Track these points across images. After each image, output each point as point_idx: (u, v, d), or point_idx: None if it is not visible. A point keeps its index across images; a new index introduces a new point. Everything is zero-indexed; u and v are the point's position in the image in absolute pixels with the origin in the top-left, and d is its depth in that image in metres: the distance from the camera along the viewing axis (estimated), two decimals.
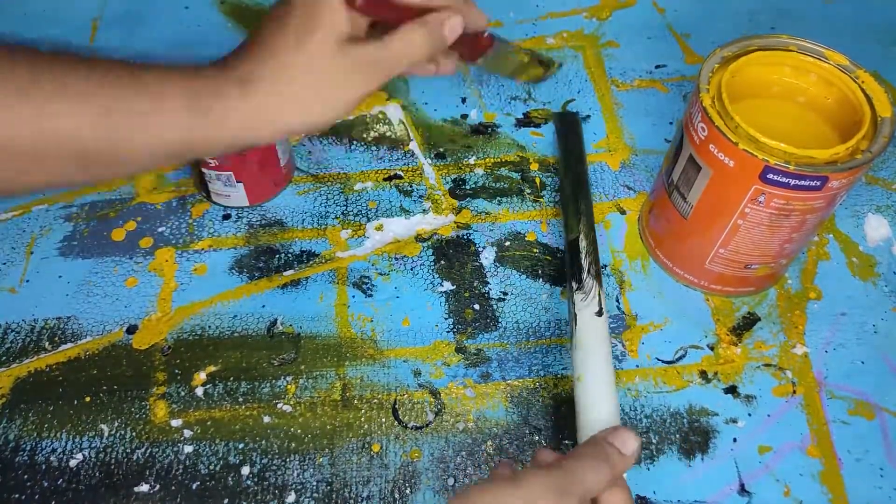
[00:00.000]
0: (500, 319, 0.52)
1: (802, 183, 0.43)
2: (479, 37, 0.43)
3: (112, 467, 0.46)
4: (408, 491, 0.45)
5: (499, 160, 0.61)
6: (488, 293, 0.54)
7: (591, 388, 0.43)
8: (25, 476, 0.45)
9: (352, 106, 0.39)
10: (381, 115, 0.64)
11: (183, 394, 0.49)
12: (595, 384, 0.43)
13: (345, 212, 0.58)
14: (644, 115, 0.64)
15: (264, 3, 0.72)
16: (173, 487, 0.45)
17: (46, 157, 0.35)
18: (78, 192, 0.58)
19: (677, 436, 0.48)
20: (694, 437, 0.48)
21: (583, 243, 0.51)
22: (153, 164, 0.38)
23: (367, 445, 0.47)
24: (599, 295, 0.47)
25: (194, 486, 0.45)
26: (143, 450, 0.46)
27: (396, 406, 0.48)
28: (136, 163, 0.37)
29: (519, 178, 0.60)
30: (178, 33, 0.69)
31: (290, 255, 0.55)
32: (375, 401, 0.49)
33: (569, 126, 0.62)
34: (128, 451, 0.46)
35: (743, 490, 0.46)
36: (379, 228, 0.57)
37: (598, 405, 0.42)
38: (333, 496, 0.45)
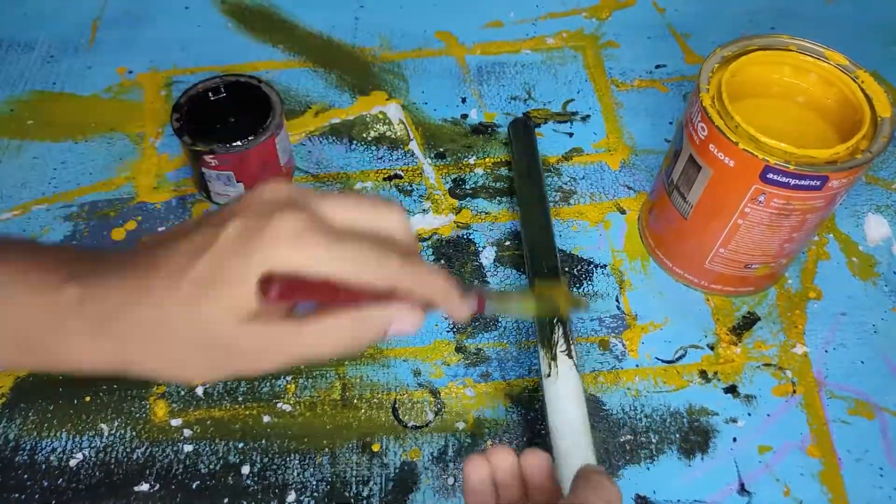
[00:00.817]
0: (499, 319, 0.52)
1: (802, 183, 0.43)
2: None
3: (112, 467, 0.46)
4: (408, 490, 0.45)
5: (499, 160, 0.61)
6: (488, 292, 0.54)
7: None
8: (25, 475, 0.45)
9: (222, 380, 0.34)
10: (381, 115, 0.64)
11: (183, 393, 0.49)
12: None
13: None
14: (644, 115, 0.65)
15: (264, 4, 0.72)
16: (173, 487, 0.45)
17: None
18: (78, 191, 0.58)
19: (677, 435, 0.48)
20: (694, 437, 0.48)
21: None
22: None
23: (367, 445, 0.47)
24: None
25: (194, 486, 0.45)
26: (142, 449, 0.46)
27: (396, 405, 0.48)
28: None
29: None
30: (178, 33, 0.69)
31: None
32: (375, 400, 0.49)
33: (522, 135, 0.60)
34: (128, 450, 0.46)
35: (743, 489, 0.46)
36: None
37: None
38: (333, 495, 0.45)
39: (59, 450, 0.46)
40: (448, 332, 0.52)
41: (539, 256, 0.52)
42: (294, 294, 0.30)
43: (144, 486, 0.45)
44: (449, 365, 0.50)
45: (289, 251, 0.29)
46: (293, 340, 0.31)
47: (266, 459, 0.46)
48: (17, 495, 0.44)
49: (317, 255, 0.29)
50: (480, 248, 0.56)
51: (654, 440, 0.47)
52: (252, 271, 0.29)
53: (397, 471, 0.46)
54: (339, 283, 0.30)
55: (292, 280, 0.29)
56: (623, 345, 0.51)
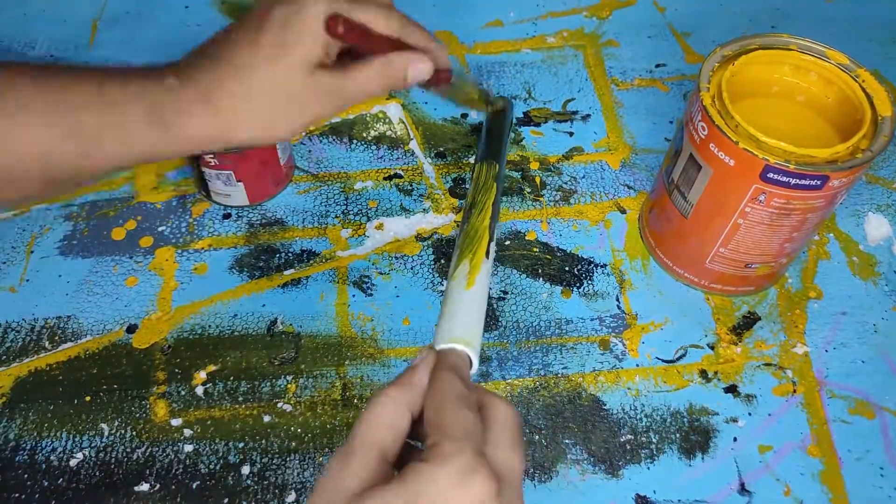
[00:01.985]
0: (500, 319, 0.52)
1: (803, 182, 0.43)
2: (439, 73, 0.43)
3: (112, 466, 0.46)
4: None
5: None
6: (488, 293, 0.54)
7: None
8: (25, 475, 0.45)
9: (305, 127, 0.39)
10: (381, 115, 0.64)
11: (183, 393, 0.49)
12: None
13: (345, 211, 0.58)
14: (644, 114, 0.64)
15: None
16: (173, 487, 0.45)
17: (12, 178, 0.36)
18: (78, 191, 0.58)
19: (677, 435, 0.48)
20: (694, 437, 0.48)
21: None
22: (115, 172, 0.39)
23: None
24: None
25: (194, 486, 0.45)
26: (143, 449, 0.46)
27: None
28: (99, 174, 0.38)
29: (519, 177, 0.60)
30: (178, 33, 0.69)
31: (290, 255, 0.55)
32: None
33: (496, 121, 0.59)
34: (128, 450, 0.46)
35: (743, 489, 0.46)
36: (379, 227, 0.57)
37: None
38: None
39: (59, 450, 0.46)
40: None
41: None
42: (350, 34, 0.38)
43: (144, 486, 0.45)
44: None
45: (336, 7, 0.37)
46: (348, 81, 0.39)
47: (266, 459, 0.46)
48: (17, 495, 0.44)
49: (353, 8, 0.38)
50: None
51: (654, 440, 0.47)
52: (309, 26, 0.37)
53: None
54: (372, 31, 0.39)
55: (348, 23, 0.38)
56: (623, 344, 0.51)
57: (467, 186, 0.59)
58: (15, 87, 0.35)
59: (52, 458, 0.46)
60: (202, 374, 0.49)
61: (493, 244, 0.47)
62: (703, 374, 0.50)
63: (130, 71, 0.37)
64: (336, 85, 0.38)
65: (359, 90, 0.39)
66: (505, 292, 0.54)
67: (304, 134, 0.62)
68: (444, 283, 0.54)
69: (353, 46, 0.40)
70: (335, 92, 0.39)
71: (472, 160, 0.61)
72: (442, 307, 0.41)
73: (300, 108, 0.38)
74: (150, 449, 0.46)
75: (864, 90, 0.47)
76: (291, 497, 0.45)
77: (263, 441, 0.47)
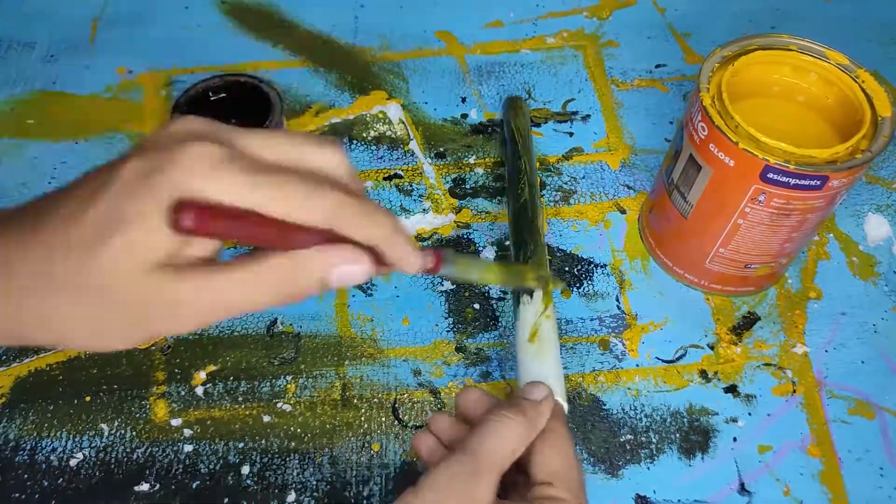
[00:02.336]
0: (500, 319, 0.52)
1: (802, 182, 0.43)
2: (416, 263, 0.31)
3: (112, 467, 0.46)
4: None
5: (499, 159, 0.61)
6: (488, 292, 0.54)
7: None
8: (25, 475, 0.45)
9: (137, 344, 0.28)
10: (380, 115, 0.64)
11: (183, 393, 0.49)
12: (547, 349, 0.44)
13: None
14: (644, 115, 0.64)
15: (264, 3, 0.72)
16: (173, 487, 0.45)
17: None
18: None
19: (677, 435, 0.48)
20: (694, 437, 0.48)
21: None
22: None
23: (367, 445, 0.47)
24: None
25: (194, 486, 0.45)
26: (143, 449, 0.46)
27: (396, 405, 0.48)
28: None
29: None
30: (178, 33, 0.69)
31: None
32: (375, 400, 0.49)
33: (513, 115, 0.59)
34: (128, 450, 0.46)
35: (743, 489, 0.46)
36: None
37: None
38: (333, 495, 0.45)
39: (59, 450, 0.46)
40: (448, 332, 0.52)
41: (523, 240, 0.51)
42: (214, 227, 0.25)
43: (144, 486, 0.45)
44: (449, 365, 0.50)
45: (202, 182, 0.24)
46: (216, 289, 0.26)
47: (266, 459, 0.46)
48: (17, 495, 0.44)
49: (236, 185, 0.25)
50: (480, 248, 0.56)
51: (654, 440, 0.47)
52: (157, 205, 0.24)
53: (397, 471, 0.46)
54: (266, 219, 0.25)
55: (210, 208, 0.24)
56: (623, 344, 0.51)
57: (468, 187, 0.59)
58: None
59: (52, 458, 0.46)
60: (202, 375, 0.49)
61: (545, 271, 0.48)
62: (703, 374, 0.50)
63: None
64: (194, 293, 0.25)
65: (235, 301, 0.26)
66: (505, 292, 0.54)
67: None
68: (445, 284, 0.54)
69: (238, 240, 0.26)
70: (199, 300, 0.26)
71: (472, 160, 0.61)
72: (527, 356, 0.44)
73: (138, 318, 0.26)
74: (149, 449, 0.46)
75: (863, 91, 0.47)
76: (291, 497, 0.45)
77: (263, 441, 0.47)
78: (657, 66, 0.68)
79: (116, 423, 0.47)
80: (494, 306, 0.53)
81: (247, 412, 0.48)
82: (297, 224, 0.26)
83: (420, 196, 0.59)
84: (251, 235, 0.26)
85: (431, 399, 0.49)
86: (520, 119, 0.59)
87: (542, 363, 0.43)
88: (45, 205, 0.26)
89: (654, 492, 0.46)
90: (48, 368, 0.49)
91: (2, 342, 0.28)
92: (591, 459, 0.47)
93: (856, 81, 0.47)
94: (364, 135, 0.62)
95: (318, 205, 0.26)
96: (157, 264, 0.25)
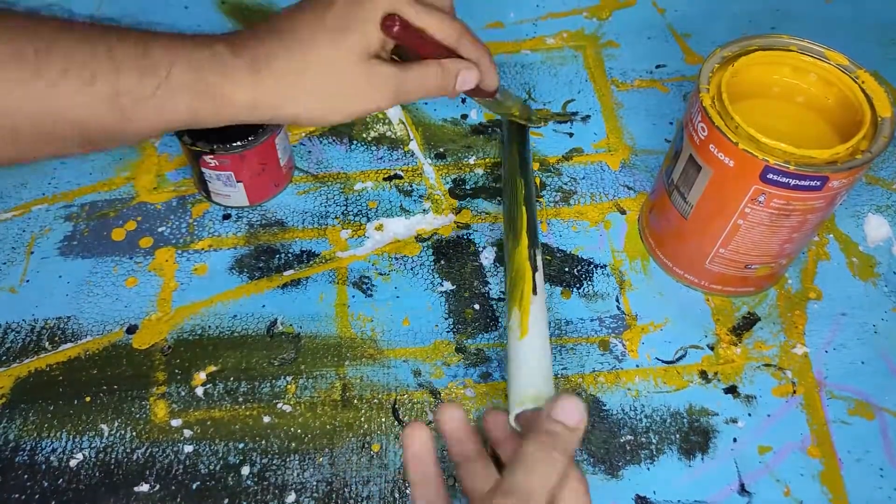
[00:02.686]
0: (500, 319, 0.52)
1: (802, 183, 0.43)
2: (483, 88, 0.47)
3: (112, 467, 0.46)
4: (408, 491, 0.45)
5: (499, 160, 0.61)
6: (488, 293, 0.54)
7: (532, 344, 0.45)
8: (25, 476, 0.45)
9: (357, 115, 0.40)
10: (381, 115, 0.64)
11: (183, 394, 0.49)
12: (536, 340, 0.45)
13: (345, 212, 0.58)
14: (644, 115, 0.65)
15: (264, 3, 0.72)
16: (173, 487, 0.45)
17: (53, 136, 0.35)
18: (78, 191, 0.58)
19: (677, 436, 0.48)
20: (694, 437, 0.48)
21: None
22: (155, 135, 0.41)
23: (366, 445, 0.47)
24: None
25: (194, 486, 0.45)
26: (143, 450, 0.46)
27: (396, 406, 0.48)
28: (139, 137, 0.38)
29: None
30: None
31: (290, 255, 0.55)
32: (375, 401, 0.49)
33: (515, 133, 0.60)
34: (128, 450, 0.46)
35: (743, 490, 0.46)
36: (379, 228, 0.57)
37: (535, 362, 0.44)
38: (333, 496, 0.45)
39: (59, 450, 0.46)
40: (448, 332, 0.52)
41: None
42: (406, 35, 0.39)
43: (144, 487, 0.45)
44: (449, 365, 0.50)
45: (401, 6, 0.39)
46: (402, 78, 0.40)
47: (266, 460, 0.46)
48: (17, 495, 0.44)
49: (418, 12, 0.40)
50: (480, 249, 0.56)
51: (654, 440, 0.47)
52: (375, 14, 0.39)
53: (397, 471, 0.46)
54: (428, 36, 0.41)
55: (405, 21, 0.39)
56: (623, 345, 0.51)
57: (468, 188, 0.59)
58: (59, 43, 0.33)
59: (52, 458, 0.46)
60: (202, 375, 0.49)
61: (539, 275, 0.47)
62: (703, 374, 0.50)
63: (178, 36, 0.37)
64: (394, 77, 0.40)
65: (416, 86, 0.41)
66: (505, 293, 0.54)
67: (304, 134, 0.62)
68: (445, 285, 0.54)
69: (404, 48, 0.42)
70: (393, 84, 0.40)
71: (472, 161, 0.61)
72: (508, 363, 0.45)
73: (356, 94, 0.40)
74: (150, 449, 0.46)
75: (863, 91, 0.47)
76: (291, 497, 0.45)
77: (263, 441, 0.47)
78: (657, 67, 0.68)
79: (116, 424, 0.47)
80: (494, 307, 0.53)
81: (247, 413, 0.48)
82: (441, 42, 0.42)
83: (420, 196, 0.59)
84: (420, 46, 0.41)
85: (431, 399, 0.49)
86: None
87: (536, 364, 0.44)
88: (291, 16, 0.39)
89: (654, 492, 0.46)
90: (48, 369, 0.49)
91: (250, 117, 0.38)
92: (591, 460, 0.47)
93: (856, 82, 0.47)
94: (364, 135, 0.62)
95: (453, 30, 0.42)
96: (372, 54, 0.40)
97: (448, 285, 0.54)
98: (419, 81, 0.41)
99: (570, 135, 0.63)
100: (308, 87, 0.38)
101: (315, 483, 0.45)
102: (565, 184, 0.60)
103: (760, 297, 0.54)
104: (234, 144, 0.52)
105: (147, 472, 0.45)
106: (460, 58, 0.44)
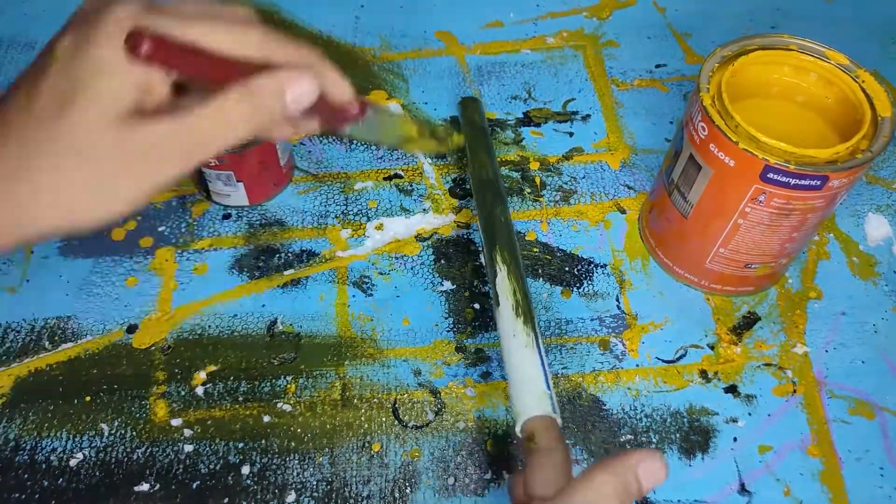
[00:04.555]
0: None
1: (803, 182, 0.43)
2: (342, 106, 0.32)
3: (112, 467, 0.46)
4: (408, 490, 0.45)
5: (499, 159, 0.61)
6: (488, 292, 0.54)
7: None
8: (25, 475, 0.45)
9: (139, 202, 0.28)
10: None
11: (183, 393, 0.49)
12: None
13: (345, 211, 0.58)
14: (644, 115, 0.64)
15: (264, 4, 0.72)
16: (173, 487, 0.45)
17: None
18: None
19: (677, 435, 0.48)
20: (694, 437, 0.48)
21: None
22: None
23: (367, 445, 0.47)
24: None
25: (194, 486, 0.45)
26: (143, 449, 0.46)
27: (396, 405, 0.48)
28: None
29: (519, 177, 0.60)
30: None
31: (290, 255, 0.55)
32: (375, 400, 0.49)
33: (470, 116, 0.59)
34: (128, 450, 0.46)
35: (743, 489, 0.46)
36: (379, 228, 0.57)
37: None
38: (333, 495, 0.45)
39: (59, 450, 0.46)
40: (448, 332, 0.52)
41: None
42: (168, 54, 0.26)
43: (144, 486, 0.45)
44: (449, 365, 0.50)
45: (144, 21, 0.26)
46: (191, 126, 0.27)
47: (266, 459, 0.46)
48: (17, 495, 0.44)
49: (171, 23, 0.27)
50: (480, 248, 0.56)
51: (654, 440, 0.47)
52: (107, 58, 0.26)
53: (397, 471, 0.46)
54: (211, 53, 0.27)
55: (160, 37, 0.26)
56: (623, 344, 0.51)
57: (468, 187, 0.59)
58: None
59: (52, 458, 0.46)
60: (202, 375, 0.49)
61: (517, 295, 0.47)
62: (703, 374, 0.50)
63: None
64: (170, 134, 0.27)
65: (214, 131, 0.27)
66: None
67: (303, 134, 0.62)
68: (445, 284, 0.54)
69: (189, 77, 0.29)
70: (167, 146, 0.27)
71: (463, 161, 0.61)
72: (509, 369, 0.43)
73: (117, 177, 0.27)
74: (150, 449, 0.46)
75: (864, 91, 0.47)
76: (291, 497, 0.45)
77: (263, 441, 0.47)
78: (657, 66, 0.68)
79: (116, 423, 0.47)
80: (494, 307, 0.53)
81: (247, 412, 0.48)
82: (237, 58, 0.28)
83: (420, 196, 0.59)
84: (201, 68, 0.28)
85: (431, 399, 0.49)
86: (476, 119, 0.60)
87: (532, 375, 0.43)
88: (4, 98, 0.27)
89: (654, 492, 0.46)
90: (48, 368, 0.49)
91: (19, 235, 0.28)
92: (592, 459, 0.47)
93: (856, 81, 0.47)
94: None
95: (249, 35, 0.28)
96: (126, 112, 0.26)
97: (448, 285, 0.54)
98: (215, 125, 0.27)
99: (571, 134, 0.63)
100: (46, 185, 0.26)
101: (315, 482, 0.45)
102: (565, 183, 0.60)
103: (761, 296, 0.54)
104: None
105: (147, 472, 0.45)
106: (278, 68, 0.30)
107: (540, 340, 0.43)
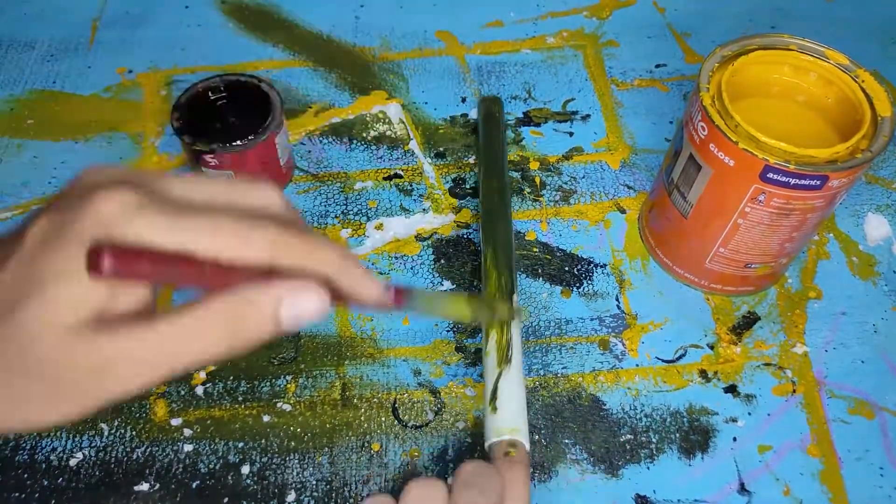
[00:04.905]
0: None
1: (802, 182, 0.43)
2: (374, 304, 0.28)
3: (112, 466, 0.46)
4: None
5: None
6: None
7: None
8: (25, 475, 0.45)
9: (86, 413, 0.24)
10: (381, 115, 0.64)
11: (183, 393, 0.49)
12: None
13: (345, 211, 0.58)
14: (644, 115, 0.64)
15: (264, 3, 0.72)
16: (173, 486, 0.45)
17: None
18: None
19: (677, 435, 0.48)
20: (694, 437, 0.48)
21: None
22: None
23: (366, 444, 0.47)
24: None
25: (194, 485, 0.45)
26: (142, 449, 0.46)
27: (396, 405, 0.48)
28: None
29: (519, 177, 0.60)
30: (178, 33, 0.69)
31: None
32: (375, 400, 0.49)
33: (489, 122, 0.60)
34: (127, 449, 0.46)
35: (743, 489, 0.46)
36: (379, 227, 0.57)
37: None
38: (333, 495, 0.45)
39: (59, 449, 0.46)
40: (448, 331, 0.52)
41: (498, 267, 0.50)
42: (138, 269, 0.22)
43: (144, 486, 0.45)
44: (449, 364, 0.50)
45: (119, 226, 0.22)
46: (157, 341, 0.23)
47: (266, 459, 0.46)
48: (16, 494, 0.44)
49: (157, 225, 0.22)
50: (481, 248, 0.56)
51: (654, 440, 0.47)
52: (74, 256, 0.22)
53: (397, 470, 0.46)
54: (200, 261, 0.22)
55: (131, 249, 0.22)
56: (623, 344, 0.51)
57: (468, 187, 0.59)
58: None
59: (51, 457, 0.46)
60: (202, 374, 0.49)
61: (515, 297, 0.47)
62: (703, 373, 0.50)
63: None
64: (132, 348, 0.23)
65: (183, 351, 0.23)
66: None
67: (304, 133, 0.62)
68: (445, 284, 0.54)
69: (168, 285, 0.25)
70: (133, 358, 0.23)
71: (472, 160, 0.61)
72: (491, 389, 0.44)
73: (69, 388, 0.23)
74: (149, 448, 0.46)
75: (863, 90, 0.47)
76: (291, 497, 0.45)
77: (263, 441, 0.47)
78: (657, 66, 0.68)
79: (116, 423, 0.47)
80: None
81: (247, 412, 0.48)
82: (235, 264, 0.23)
83: (420, 196, 0.59)
84: (185, 277, 0.23)
85: (431, 399, 0.49)
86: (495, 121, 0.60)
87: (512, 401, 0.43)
88: None
89: (654, 492, 0.46)
90: None
91: None
92: (591, 459, 0.47)
93: (856, 81, 0.47)
94: (364, 135, 0.62)
95: (258, 238, 0.23)
96: (84, 321, 0.22)
97: (448, 284, 0.54)
98: (192, 337, 0.23)
99: (571, 134, 0.63)
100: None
101: (315, 482, 0.45)
102: (565, 183, 0.60)
103: (760, 296, 0.54)
104: (235, 144, 0.52)
105: (147, 471, 0.45)
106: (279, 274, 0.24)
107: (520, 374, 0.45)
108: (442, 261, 0.55)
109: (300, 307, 0.24)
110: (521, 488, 0.35)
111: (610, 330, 0.52)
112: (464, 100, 0.65)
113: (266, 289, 0.23)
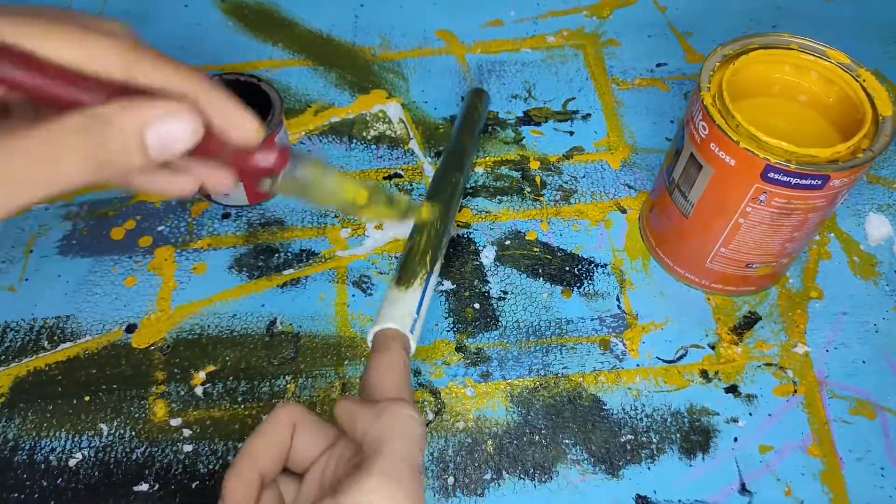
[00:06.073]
0: (500, 318, 0.52)
1: (804, 182, 0.43)
2: (246, 151, 0.24)
3: (111, 466, 0.46)
4: None
5: (499, 159, 0.61)
6: (488, 292, 0.54)
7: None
8: (24, 475, 0.45)
9: None
10: (380, 114, 0.64)
11: (182, 393, 0.49)
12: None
13: None
14: (645, 114, 0.64)
15: (264, 2, 0.72)
16: (172, 487, 0.45)
17: None
18: (77, 190, 0.58)
19: (678, 435, 0.48)
20: (695, 437, 0.48)
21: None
22: None
23: None
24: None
25: (193, 486, 0.45)
26: (142, 449, 0.46)
27: None
28: None
29: (519, 176, 0.60)
30: (178, 32, 0.69)
31: (289, 254, 0.55)
32: None
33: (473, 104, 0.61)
34: (127, 450, 0.46)
35: (744, 489, 0.46)
36: (379, 227, 0.57)
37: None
38: None
39: (59, 450, 0.46)
40: (448, 332, 0.52)
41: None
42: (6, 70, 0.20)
43: (144, 486, 0.45)
44: (449, 365, 0.50)
45: None
46: (7, 159, 0.20)
47: None
48: (16, 495, 0.44)
49: (4, 20, 0.20)
50: (480, 248, 0.56)
51: (654, 440, 0.47)
52: None
53: None
54: (51, 65, 0.20)
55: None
56: (624, 344, 0.51)
57: (468, 187, 0.59)
58: None
59: (51, 458, 0.46)
60: (201, 374, 0.49)
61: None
62: (704, 374, 0.50)
63: None
64: None
65: (30, 174, 0.20)
66: (505, 292, 0.54)
67: (304, 133, 0.62)
68: (445, 284, 0.54)
69: (32, 100, 0.22)
70: None
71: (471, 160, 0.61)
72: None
73: None
74: (149, 449, 0.46)
75: (865, 90, 0.46)
76: None
77: None
78: (658, 65, 0.68)
79: (116, 423, 0.47)
80: (494, 306, 0.53)
81: (246, 412, 0.48)
82: (88, 74, 0.20)
83: (420, 195, 0.58)
84: (34, 84, 0.20)
85: (431, 399, 0.49)
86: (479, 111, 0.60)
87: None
88: None
89: (655, 492, 0.45)
90: (47, 368, 0.49)
91: None
92: (592, 459, 0.47)
93: (857, 80, 0.47)
94: (364, 134, 0.62)
95: (110, 48, 0.21)
96: None
97: (448, 284, 0.54)
98: (41, 157, 0.20)
99: (571, 133, 0.63)
100: None
101: None
102: (566, 182, 0.60)
103: (761, 296, 0.54)
104: None
105: (146, 472, 0.45)
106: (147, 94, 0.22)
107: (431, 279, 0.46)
108: (442, 261, 0.55)
109: (167, 130, 0.21)
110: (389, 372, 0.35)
111: (610, 330, 0.52)
112: (464, 99, 0.65)
113: (129, 107, 0.21)
